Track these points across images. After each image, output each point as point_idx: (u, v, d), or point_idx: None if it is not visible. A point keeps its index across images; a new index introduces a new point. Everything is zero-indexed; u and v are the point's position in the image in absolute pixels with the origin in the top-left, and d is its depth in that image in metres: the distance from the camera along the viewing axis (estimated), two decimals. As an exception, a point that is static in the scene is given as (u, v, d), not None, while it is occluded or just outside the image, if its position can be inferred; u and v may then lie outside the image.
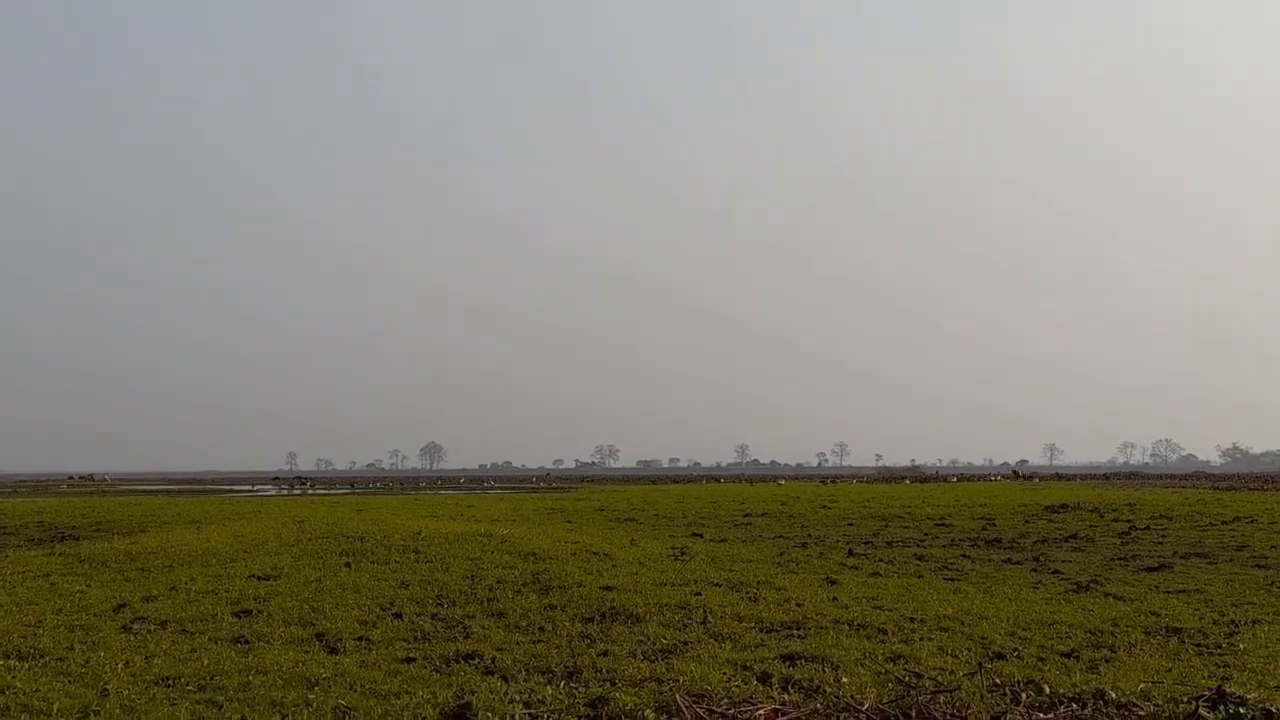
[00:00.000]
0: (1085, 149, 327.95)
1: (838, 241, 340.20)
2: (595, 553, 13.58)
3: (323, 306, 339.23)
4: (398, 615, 9.16)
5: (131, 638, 8.21)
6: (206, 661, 7.24)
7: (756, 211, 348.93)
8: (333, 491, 56.34)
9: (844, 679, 6.59)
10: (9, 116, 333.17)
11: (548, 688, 6.44)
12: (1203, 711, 5.63)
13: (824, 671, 6.81)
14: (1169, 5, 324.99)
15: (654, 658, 7.33)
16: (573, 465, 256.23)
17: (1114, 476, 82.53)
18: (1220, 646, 7.82)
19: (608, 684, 6.52)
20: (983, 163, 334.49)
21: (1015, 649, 7.67)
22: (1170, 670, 6.97)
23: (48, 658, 7.43)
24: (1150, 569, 12.93)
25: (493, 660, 7.29)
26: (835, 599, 10.07)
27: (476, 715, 5.73)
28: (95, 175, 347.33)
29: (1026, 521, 22.35)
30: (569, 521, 22.45)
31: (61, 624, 8.81)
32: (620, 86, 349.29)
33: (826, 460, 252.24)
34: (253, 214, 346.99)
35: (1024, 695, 6.18)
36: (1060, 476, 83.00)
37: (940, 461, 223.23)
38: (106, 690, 6.39)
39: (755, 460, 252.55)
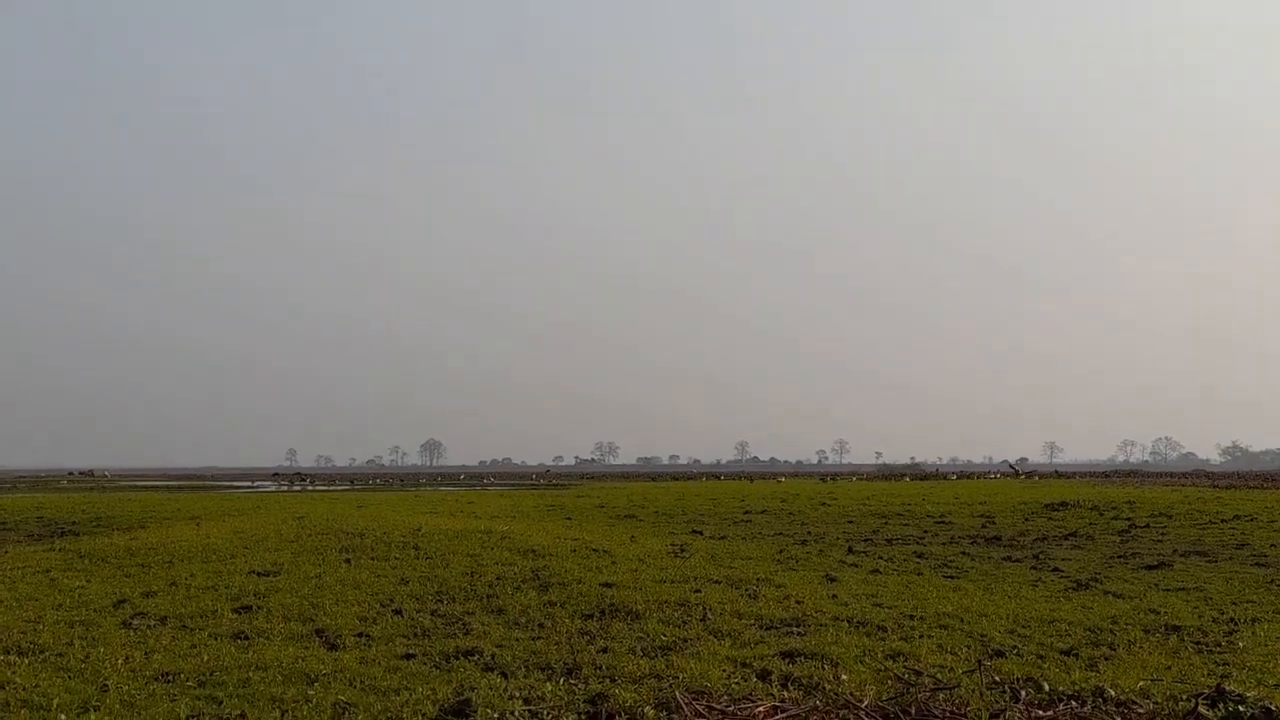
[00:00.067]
0: (1085, 149, 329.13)
1: (838, 241, 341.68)
2: (595, 550, 13.59)
3: (323, 304, 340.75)
4: (397, 612, 9.16)
5: (131, 633, 8.22)
6: (206, 657, 7.25)
7: (756, 211, 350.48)
8: (332, 488, 56.35)
9: (843, 676, 6.59)
10: (9, 116, 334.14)
11: (547, 684, 6.45)
12: (1202, 709, 5.63)
13: (823, 669, 6.82)
14: (1169, 5, 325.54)
15: (653, 655, 7.33)
16: (572, 462, 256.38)
17: (1114, 474, 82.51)
18: (1220, 644, 7.83)
19: (607, 681, 6.53)
20: (983, 162, 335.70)
21: (1015, 646, 7.67)
22: (1170, 668, 6.97)
23: (48, 653, 7.44)
24: (1150, 567, 12.94)
25: (492, 657, 7.29)
26: (835, 596, 10.07)
27: (476, 711, 5.74)
28: (95, 175, 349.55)
29: (1026, 519, 22.35)
30: (569, 518, 22.45)
31: (61, 619, 8.81)
32: (620, 86, 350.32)
33: (826, 458, 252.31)
34: (253, 213, 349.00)
35: (1023, 693, 6.19)
36: (1060, 474, 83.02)
37: (940, 459, 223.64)
38: (106, 685, 6.40)
39: (755, 457, 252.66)
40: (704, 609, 9.06)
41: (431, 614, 9.08)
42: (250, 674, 6.72)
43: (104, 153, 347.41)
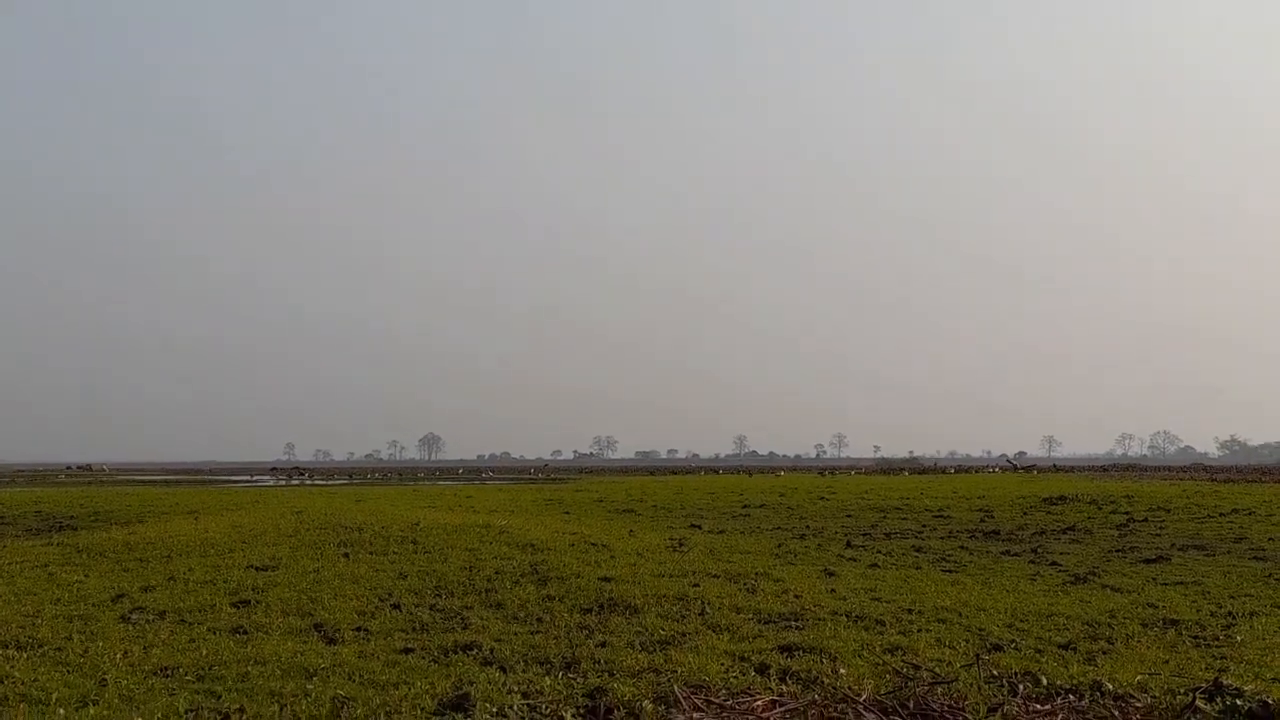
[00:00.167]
0: (1085, 148, 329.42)
1: (837, 239, 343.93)
2: (593, 544, 13.59)
3: (322, 301, 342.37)
4: (396, 606, 9.16)
5: (130, 628, 8.22)
6: (205, 651, 7.25)
7: (756, 209, 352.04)
8: (331, 482, 56.32)
9: (842, 670, 6.60)
10: (10, 116, 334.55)
11: (546, 678, 6.45)
12: (1200, 703, 5.64)
13: (822, 663, 6.82)
14: (1169, 5, 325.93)
15: (652, 649, 7.34)
16: (571, 456, 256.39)
17: (1112, 468, 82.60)
18: (1217, 638, 7.83)
19: (606, 675, 6.53)
20: (983, 162, 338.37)
21: (1013, 640, 7.68)
22: (1167, 662, 6.98)
23: (46, 647, 7.44)
24: (1148, 561, 12.95)
25: (491, 651, 7.29)
26: (833, 590, 10.08)
27: (475, 705, 5.74)
28: (96, 174, 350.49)
29: (1024, 513, 22.37)
30: (567, 512, 22.46)
31: (60, 614, 8.81)
32: (620, 86, 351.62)
33: (825, 452, 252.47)
34: (253, 211, 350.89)
35: (1021, 687, 6.19)
36: (1058, 468, 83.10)
37: (938, 453, 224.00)
38: (105, 680, 6.40)
39: (754, 452, 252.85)
40: (702, 603, 9.06)
41: (430, 608, 9.09)
42: (249, 668, 6.72)
43: (104, 152, 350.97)
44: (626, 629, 8.07)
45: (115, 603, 9.38)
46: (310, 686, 6.20)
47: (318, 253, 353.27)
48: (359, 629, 8.17)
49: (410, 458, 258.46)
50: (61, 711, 5.65)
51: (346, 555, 12.40)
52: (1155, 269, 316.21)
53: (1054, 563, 12.82)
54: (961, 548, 14.89)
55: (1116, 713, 5.60)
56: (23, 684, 6.30)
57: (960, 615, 8.70)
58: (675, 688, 6.02)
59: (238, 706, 5.75)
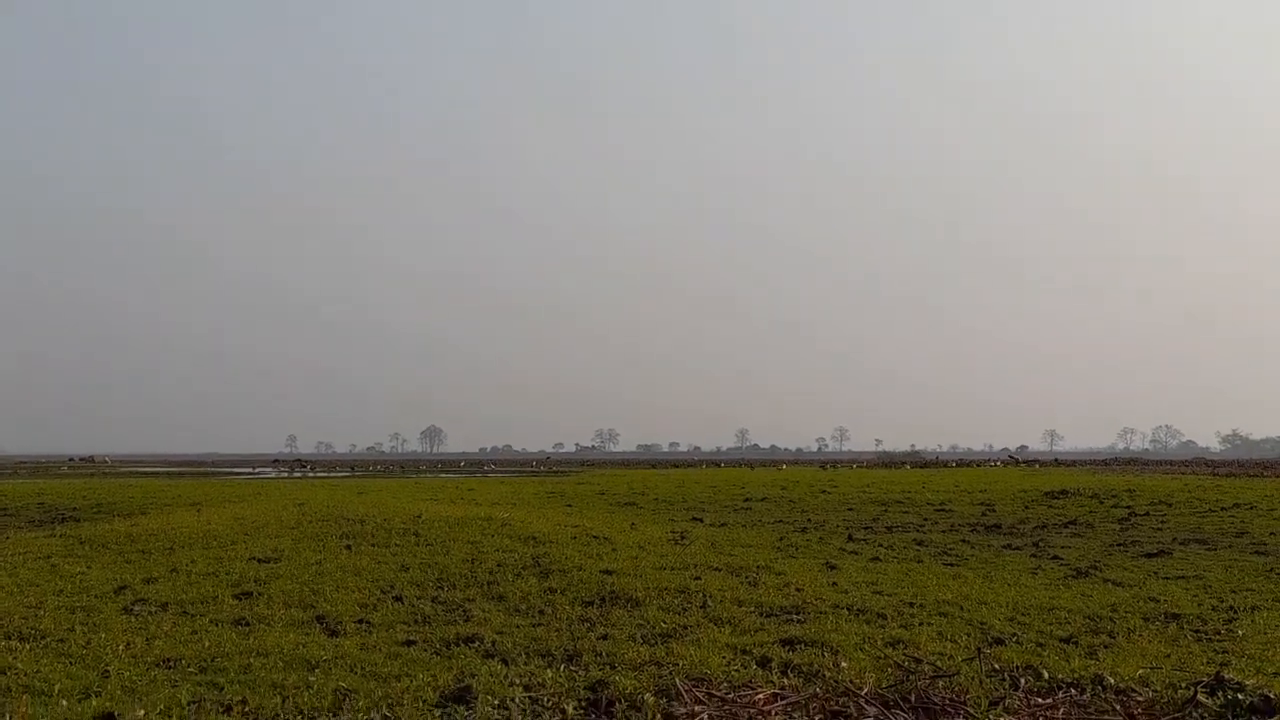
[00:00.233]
0: (1086, 146, 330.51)
1: (839, 237, 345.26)
2: (595, 536, 13.60)
3: (324, 296, 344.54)
4: (398, 598, 9.17)
5: (132, 619, 8.23)
6: (207, 643, 7.26)
7: (757, 208, 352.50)
8: (333, 474, 56.42)
9: (843, 663, 6.60)
10: (10, 116, 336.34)
11: (548, 671, 6.46)
12: (1201, 697, 5.64)
13: (823, 656, 6.82)
14: (1169, 5, 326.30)
15: (654, 642, 7.34)
16: (572, 449, 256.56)
17: (1114, 462, 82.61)
18: (1219, 633, 7.83)
19: (607, 667, 6.54)
20: (984, 162, 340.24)
21: (1014, 634, 7.68)
22: (1169, 656, 6.98)
23: (49, 639, 7.45)
24: (1149, 555, 12.95)
25: (493, 643, 7.30)
26: (835, 584, 10.08)
27: (477, 698, 5.74)
28: (97, 174, 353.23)
29: (1026, 507, 22.38)
30: (569, 505, 22.48)
31: (62, 605, 8.82)
32: (620, 86, 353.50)
33: (826, 445, 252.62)
34: (253, 210, 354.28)
35: (1023, 680, 6.20)
36: (1060, 462, 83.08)
37: (940, 447, 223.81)
38: (108, 671, 6.41)
39: (755, 445, 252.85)
40: (704, 596, 9.07)
41: (432, 601, 9.10)
42: (251, 660, 6.73)
43: (106, 151, 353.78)
44: (628, 622, 8.08)
45: (118, 594, 9.40)
46: (312, 678, 6.21)
47: (320, 249, 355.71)
48: (361, 621, 8.18)
49: (412, 450, 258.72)
50: (64, 703, 5.66)
51: (348, 547, 12.42)
52: (1157, 265, 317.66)
53: (1055, 556, 12.82)
54: (963, 541, 14.89)
55: (1118, 706, 5.60)
56: (25, 675, 6.31)
57: (962, 609, 8.70)
58: (677, 681, 6.02)
59: (240, 698, 5.75)
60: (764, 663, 6.69)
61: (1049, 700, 5.76)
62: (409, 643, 7.35)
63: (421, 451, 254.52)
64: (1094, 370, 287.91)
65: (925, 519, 19.35)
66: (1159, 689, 5.99)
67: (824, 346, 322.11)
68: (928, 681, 6.06)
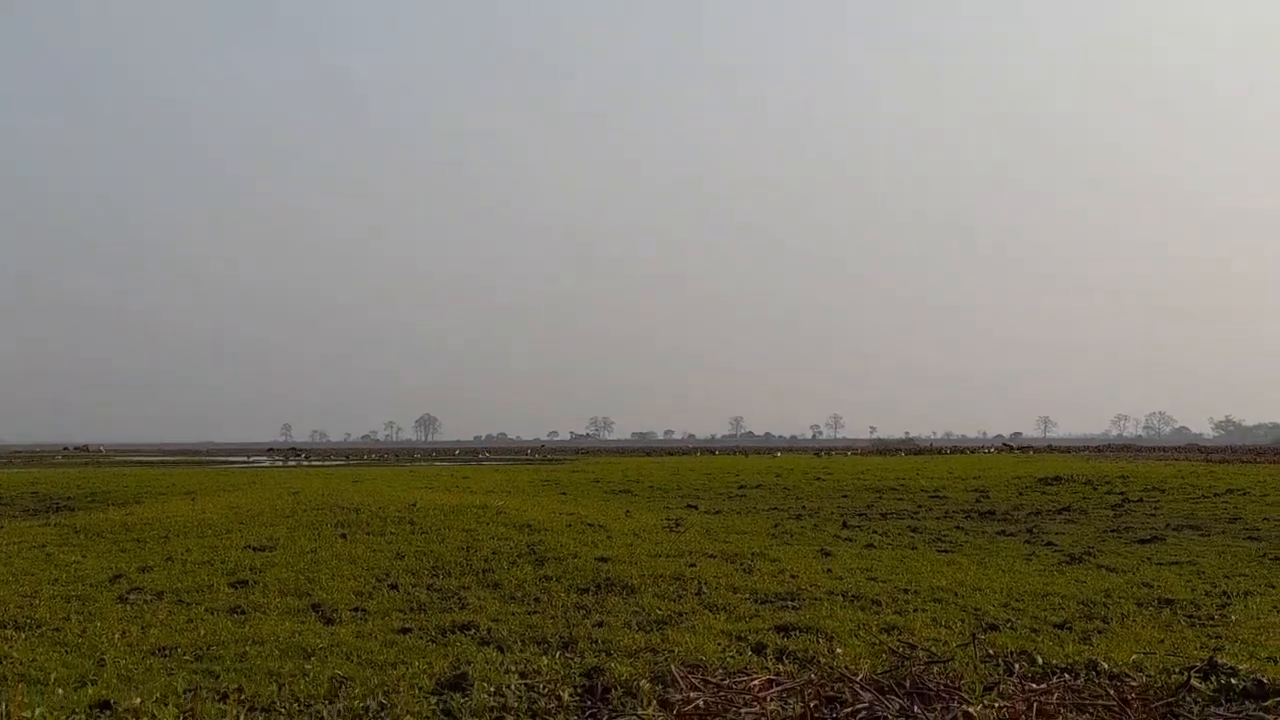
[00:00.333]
0: (1085, 142, 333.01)
1: (835, 231, 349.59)
2: (590, 524, 13.62)
3: (322, 294, 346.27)
4: (393, 586, 9.18)
5: (128, 608, 8.23)
6: (203, 632, 7.26)
7: (757, 207, 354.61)
8: (328, 463, 56.34)
9: (838, 650, 6.62)
10: (12, 116, 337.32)
11: (543, 658, 6.47)
12: (1194, 682, 5.67)
13: (818, 642, 6.84)
14: (1169, 4, 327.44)
15: (649, 629, 7.36)
16: (567, 437, 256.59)
17: (1107, 449, 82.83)
18: (1212, 618, 7.87)
19: (603, 654, 6.55)
20: (984, 162, 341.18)
21: (1008, 620, 7.71)
22: (1162, 641, 7.01)
23: (44, 628, 7.45)
24: (1143, 541, 13.00)
25: (488, 631, 7.31)
26: (829, 570, 10.11)
27: (472, 685, 5.75)
28: (99, 174, 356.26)
29: (1020, 494, 22.44)
30: (564, 493, 22.49)
31: (57, 594, 8.82)
32: (621, 85, 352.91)
33: (821, 433, 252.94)
34: (253, 211, 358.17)
35: (1017, 666, 6.22)
36: (1054, 449, 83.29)
37: (934, 434, 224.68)
38: (103, 660, 6.41)
39: (750, 432, 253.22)
40: (699, 583, 9.09)
41: (427, 589, 9.10)
42: (247, 648, 6.73)
43: (104, 152, 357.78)
44: (623, 609, 8.09)
45: (113, 583, 9.39)
46: (308, 666, 6.21)
47: (317, 247, 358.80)
48: (356, 609, 8.19)
49: (407, 439, 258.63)
50: (60, 691, 5.66)
51: (344, 536, 12.42)
52: (1149, 254, 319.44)
53: (1049, 543, 12.86)
54: (957, 528, 14.93)
55: (1112, 692, 5.62)
56: (21, 664, 6.31)
57: (956, 595, 8.73)
58: (672, 667, 6.04)
59: (236, 686, 5.76)
60: (759, 649, 6.71)
61: (1043, 685, 5.78)
62: (405, 630, 7.36)
63: (416, 440, 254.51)
64: (1088, 357, 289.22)
65: (919, 506, 19.39)
66: (1152, 674, 6.02)
67: (818, 335, 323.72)
68: (922, 667, 6.08)
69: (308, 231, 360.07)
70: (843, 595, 8.63)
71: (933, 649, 6.70)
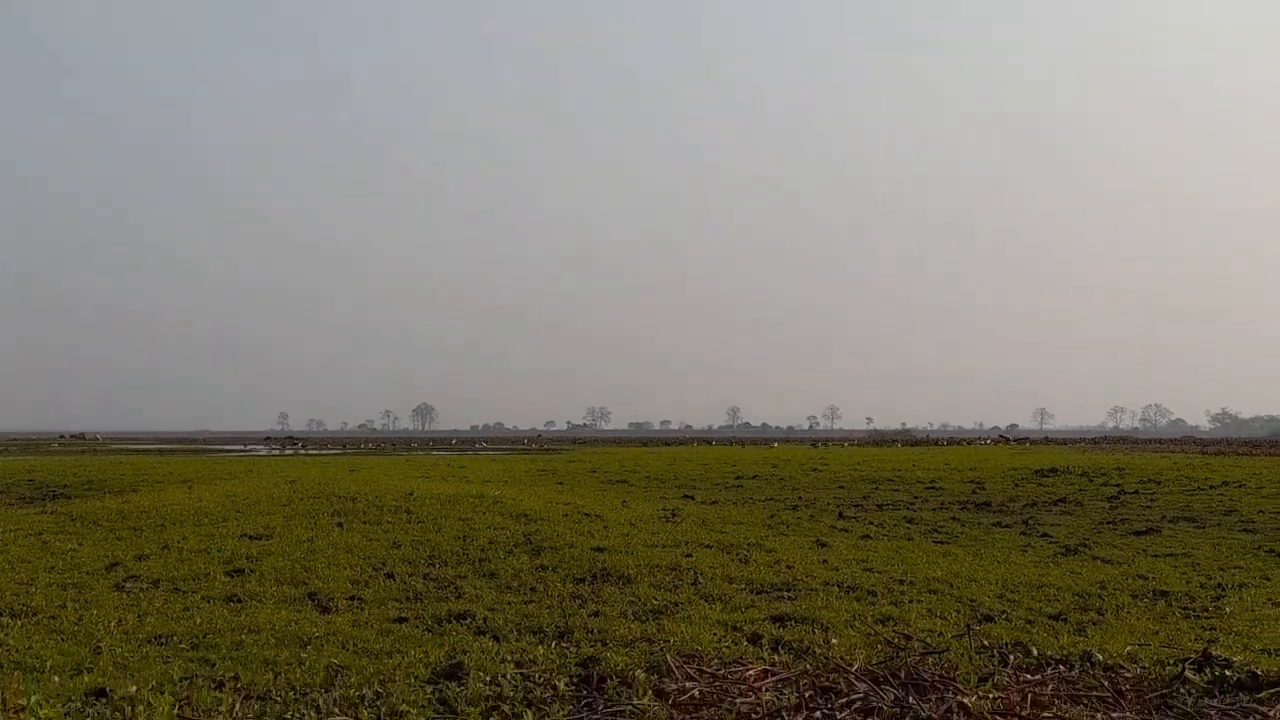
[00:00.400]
0: (1085, 142, 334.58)
1: (834, 230, 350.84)
2: (587, 514, 13.63)
3: (321, 294, 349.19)
4: (390, 575, 9.18)
5: (124, 596, 8.23)
6: (199, 620, 7.26)
7: (757, 205, 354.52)
8: (324, 452, 56.35)
9: (834, 640, 6.63)
10: (12, 117, 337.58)
11: (539, 648, 6.47)
12: (1189, 674, 5.68)
13: (814, 633, 6.86)
14: (1169, 4, 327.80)
15: (645, 618, 7.37)
16: (564, 427, 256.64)
17: (1103, 441, 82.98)
18: (1207, 610, 7.89)
19: (599, 644, 6.56)
20: (984, 162, 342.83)
21: (1004, 611, 7.72)
22: (1157, 633, 7.03)
23: (40, 615, 7.44)
24: (1138, 533, 13.03)
25: (484, 620, 7.31)
26: (825, 561, 10.12)
27: (468, 674, 5.76)
28: (99, 174, 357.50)
29: (1016, 485, 22.48)
30: (560, 483, 22.51)
31: (54, 582, 8.82)
32: (621, 85, 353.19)
33: (818, 423, 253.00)
34: (253, 211, 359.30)
35: (1012, 657, 6.23)
36: (1050, 441, 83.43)
37: (931, 425, 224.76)
38: (99, 648, 6.41)
39: (746, 423, 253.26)
40: (695, 573, 9.10)
41: (424, 578, 9.11)
42: (243, 637, 6.73)
43: (103, 152, 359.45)
44: (619, 599, 8.10)
45: (109, 571, 9.39)
46: (304, 655, 6.22)
47: (319, 247, 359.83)
48: (353, 598, 8.19)
49: (404, 428, 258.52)
50: (56, 679, 5.66)
51: (340, 525, 12.42)
52: (1149, 254, 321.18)
53: (1045, 534, 12.88)
54: (953, 519, 14.96)
55: (1106, 683, 5.64)
56: (17, 651, 6.31)
57: (951, 586, 8.74)
58: (668, 657, 6.05)
59: (232, 674, 5.76)
60: (755, 639, 6.72)
61: (1037, 676, 5.79)
62: (401, 619, 7.37)
63: (413, 429, 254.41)
64: (1087, 357, 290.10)
65: (915, 497, 19.42)
66: (1147, 665, 6.03)
67: (816, 327, 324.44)
68: (917, 658, 6.10)
69: (308, 231, 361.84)
70: (838, 586, 8.65)
71: (928, 640, 6.72)
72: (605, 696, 5.44)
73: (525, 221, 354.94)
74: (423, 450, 60.43)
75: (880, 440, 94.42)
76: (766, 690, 5.46)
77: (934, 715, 4.97)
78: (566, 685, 5.64)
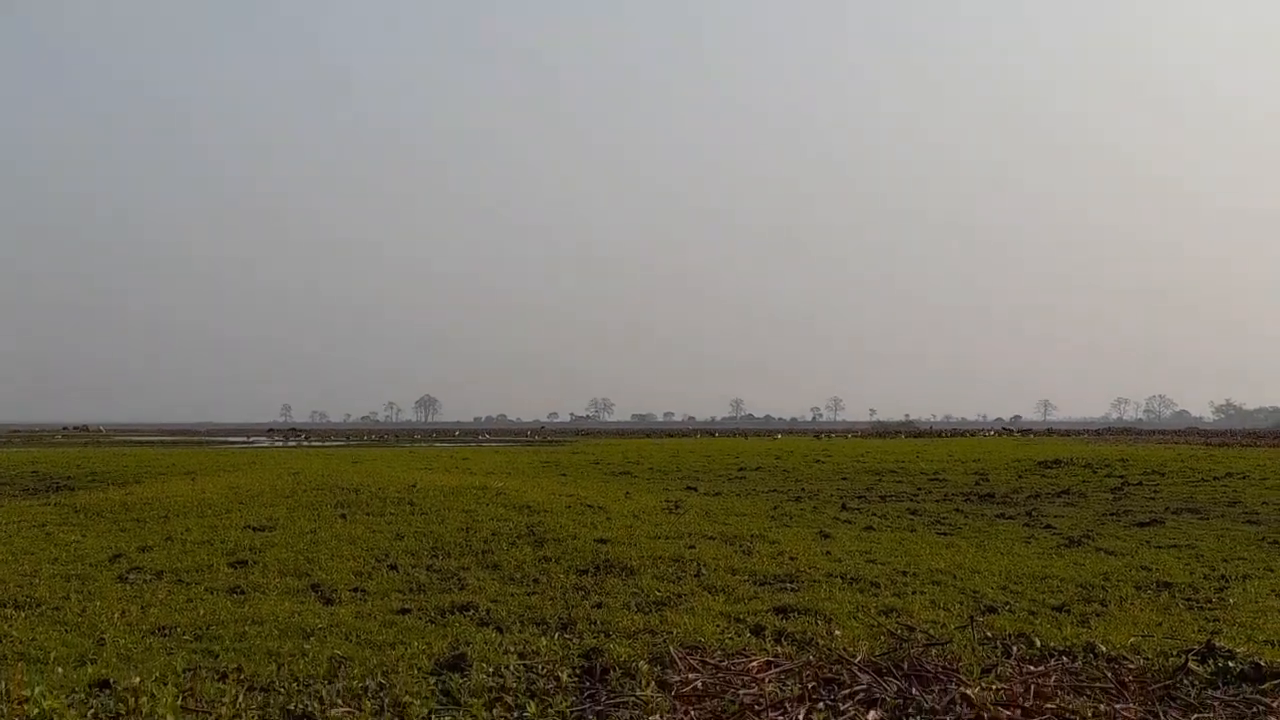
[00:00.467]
0: (1085, 142, 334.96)
1: (834, 227, 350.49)
2: (590, 506, 13.63)
3: (321, 294, 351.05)
4: (393, 567, 9.19)
5: (127, 587, 8.24)
6: (203, 611, 7.27)
7: (756, 205, 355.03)
8: (327, 443, 56.43)
9: (837, 632, 6.62)
10: (12, 117, 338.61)
11: (542, 639, 6.47)
12: (1192, 665, 5.68)
13: (817, 624, 6.85)
14: (1169, 4, 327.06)
15: (648, 610, 7.37)
16: (567, 419, 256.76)
17: (1107, 432, 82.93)
18: (1210, 601, 7.88)
19: (602, 636, 6.56)
20: (984, 162, 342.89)
21: (1007, 603, 7.72)
22: (1160, 624, 7.02)
23: (44, 607, 7.46)
24: (1142, 524, 13.02)
25: (487, 612, 7.32)
26: (829, 553, 10.12)
27: (471, 666, 5.76)
28: (99, 174, 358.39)
29: (1019, 476, 22.47)
30: (564, 475, 22.52)
31: (57, 574, 8.83)
32: (620, 85, 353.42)
33: (821, 415, 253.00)
34: (252, 210, 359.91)
35: (1015, 648, 6.23)
36: (1054, 432, 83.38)
37: (934, 417, 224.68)
38: (103, 639, 6.42)
39: (750, 415, 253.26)
40: (698, 565, 9.10)
41: (427, 569, 9.12)
42: (246, 628, 6.74)
43: (103, 152, 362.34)
44: (622, 590, 8.10)
45: (113, 562, 9.41)
46: (308, 646, 6.22)
47: (320, 247, 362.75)
48: (356, 589, 8.20)
49: (407, 420, 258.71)
50: (60, 670, 5.67)
51: (343, 516, 12.43)
52: (1150, 254, 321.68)
53: (1048, 526, 12.88)
54: (956, 510, 14.95)
55: (1110, 674, 5.63)
56: (21, 643, 6.32)
57: (955, 577, 8.74)
58: (671, 649, 6.04)
59: (235, 666, 5.76)
60: (758, 631, 6.71)
61: (1041, 668, 5.79)
62: (404, 611, 7.37)
63: (416, 421, 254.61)
64: (1087, 356, 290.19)
65: (919, 488, 19.42)
66: (1150, 657, 6.03)
67: (819, 319, 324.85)
68: (921, 649, 6.09)
69: (308, 231, 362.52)
70: (841, 577, 8.64)
71: (931, 631, 6.71)
72: (608, 688, 5.43)
73: (525, 221, 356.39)
74: (426, 442, 60.49)
75: (884, 432, 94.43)
76: (769, 681, 5.46)
77: (937, 706, 4.97)
78: (569, 676, 5.64)
